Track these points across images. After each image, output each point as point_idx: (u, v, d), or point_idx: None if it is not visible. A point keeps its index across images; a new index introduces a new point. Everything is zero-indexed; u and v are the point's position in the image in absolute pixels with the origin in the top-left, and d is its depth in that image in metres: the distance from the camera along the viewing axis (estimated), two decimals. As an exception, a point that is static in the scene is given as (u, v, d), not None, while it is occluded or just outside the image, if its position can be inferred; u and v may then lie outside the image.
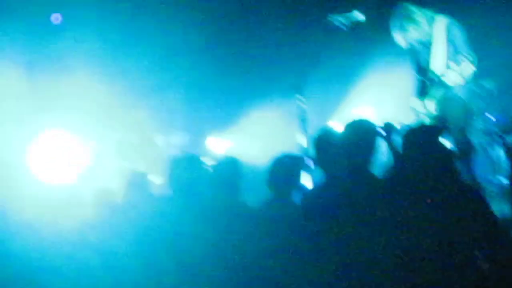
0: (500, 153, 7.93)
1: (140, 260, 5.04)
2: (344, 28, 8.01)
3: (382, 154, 5.15)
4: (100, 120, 11.28)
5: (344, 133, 5.01)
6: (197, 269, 4.83)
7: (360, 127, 5.01)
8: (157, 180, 7.99)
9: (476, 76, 7.49)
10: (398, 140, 5.04)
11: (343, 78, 11.95)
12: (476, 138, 8.64)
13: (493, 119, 8.49)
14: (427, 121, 7.45)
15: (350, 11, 7.97)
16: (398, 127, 5.42)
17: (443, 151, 4.67)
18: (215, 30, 12.71)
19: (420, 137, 4.72)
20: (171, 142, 12.35)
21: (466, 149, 7.14)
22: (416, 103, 7.66)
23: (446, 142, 4.76)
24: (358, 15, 7.90)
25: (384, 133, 5.26)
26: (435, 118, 7.43)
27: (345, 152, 4.86)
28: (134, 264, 5.10)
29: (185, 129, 12.83)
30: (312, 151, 5.43)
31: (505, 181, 7.78)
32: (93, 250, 5.58)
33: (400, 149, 4.87)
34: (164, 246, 4.99)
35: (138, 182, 6.82)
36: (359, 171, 4.81)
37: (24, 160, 9.71)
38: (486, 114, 9.55)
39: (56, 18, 11.56)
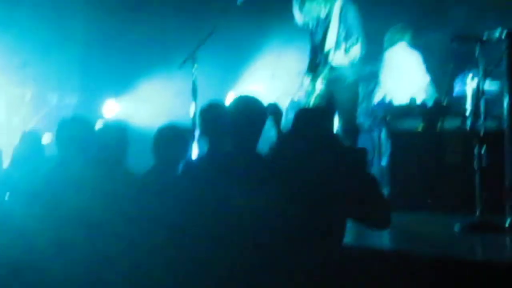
0: (382, 135, 8.11)
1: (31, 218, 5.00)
2: (238, 2, 8.03)
3: (269, 132, 5.22)
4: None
5: (231, 108, 4.95)
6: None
7: (247, 104, 4.92)
8: (47, 138, 7.87)
9: (365, 59, 7.69)
10: (285, 118, 5.13)
11: (242, 53, 12.04)
12: (361, 119, 8.86)
13: (377, 101, 8.69)
14: (315, 100, 7.52)
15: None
16: (285, 105, 5.49)
17: (326, 132, 4.68)
18: None
19: (305, 117, 4.65)
20: (64, 101, 12.21)
21: (350, 130, 7.28)
22: (306, 81, 7.73)
23: (332, 122, 4.89)
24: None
25: (271, 111, 5.31)
26: (322, 97, 7.50)
27: (230, 127, 4.82)
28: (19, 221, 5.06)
29: (80, 89, 12.69)
30: (199, 122, 5.50)
31: (384, 163, 8.03)
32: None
33: (285, 128, 4.95)
34: (51, 206, 4.93)
35: (28, 138, 6.74)
36: (242, 147, 4.77)
37: None
38: (373, 96, 9.80)
39: None
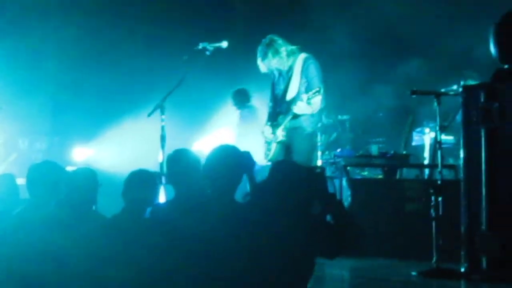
0: (343, 183, 8.14)
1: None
2: (207, 53, 8.11)
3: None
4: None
5: (213, 155, 4.92)
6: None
7: (229, 153, 4.93)
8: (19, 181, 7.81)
9: (325, 109, 7.82)
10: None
11: (207, 101, 12.14)
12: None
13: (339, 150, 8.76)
14: (276, 147, 7.67)
15: (220, 41, 8.06)
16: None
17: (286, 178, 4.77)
18: (89, 34, 12.68)
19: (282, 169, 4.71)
20: (35, 146, 12.12)
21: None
22: (267, 130, 7.84)
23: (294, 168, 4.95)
24: (224, 43, 8.00)
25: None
26: (283, 144, 7.64)
27: (211, 172, 4.85)
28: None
29: (51, 134, 12.61)
30: (167, 168, 5.53)
31: None
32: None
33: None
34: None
35: (3, 180, 6.67)
36: (221, 191, 4.77)
37: None
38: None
39: None
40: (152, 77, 11.19)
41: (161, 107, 8.27)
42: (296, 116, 7.55)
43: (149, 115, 8.48)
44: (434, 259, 6.05)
